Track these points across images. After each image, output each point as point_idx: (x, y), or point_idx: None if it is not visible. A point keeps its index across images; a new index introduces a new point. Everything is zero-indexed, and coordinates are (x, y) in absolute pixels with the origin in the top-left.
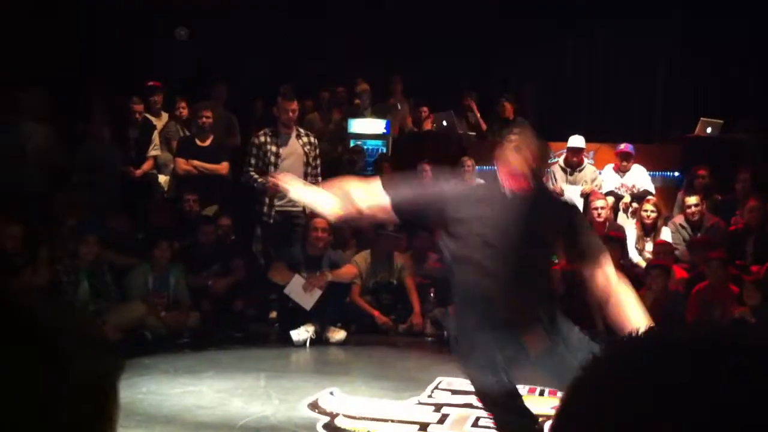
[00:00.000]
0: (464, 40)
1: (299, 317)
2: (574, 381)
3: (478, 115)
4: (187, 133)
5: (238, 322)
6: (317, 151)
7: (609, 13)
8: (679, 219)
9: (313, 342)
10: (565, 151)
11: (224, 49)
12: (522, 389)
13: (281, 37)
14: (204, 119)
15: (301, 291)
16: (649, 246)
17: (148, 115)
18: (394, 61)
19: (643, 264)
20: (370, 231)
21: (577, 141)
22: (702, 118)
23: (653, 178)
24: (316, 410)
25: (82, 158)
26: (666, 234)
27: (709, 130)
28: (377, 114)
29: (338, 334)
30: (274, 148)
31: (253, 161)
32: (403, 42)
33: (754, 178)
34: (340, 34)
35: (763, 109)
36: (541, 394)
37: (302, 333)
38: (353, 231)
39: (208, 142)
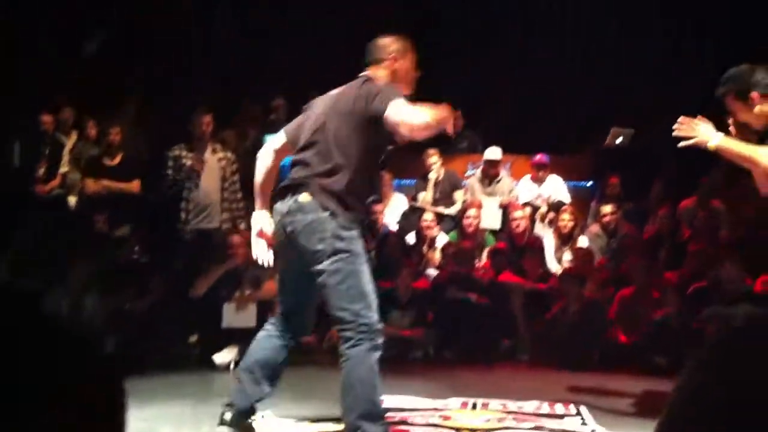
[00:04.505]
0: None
1: (221, 339)
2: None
3: None
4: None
5: (157, 346)
6: (234, 166)
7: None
8: (595, 228)
9: (236, 364)
10: (482, 163)
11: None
12: (455, 402)
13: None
14: (113, 136)
15: (236, 315)
16: (567, 255)
17: (58, 133)
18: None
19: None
20: None
21: (493, 153)
22: (613, 128)
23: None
24: None
25: None
26: (583, 242)
27: (619, 140)
28: None
29: None
30: (189, 162)
31: (170, 173)
32: None
33: (668, 186)
34: None
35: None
36: (474, 407)
37: (225, 356)
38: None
39: (117, 161)
